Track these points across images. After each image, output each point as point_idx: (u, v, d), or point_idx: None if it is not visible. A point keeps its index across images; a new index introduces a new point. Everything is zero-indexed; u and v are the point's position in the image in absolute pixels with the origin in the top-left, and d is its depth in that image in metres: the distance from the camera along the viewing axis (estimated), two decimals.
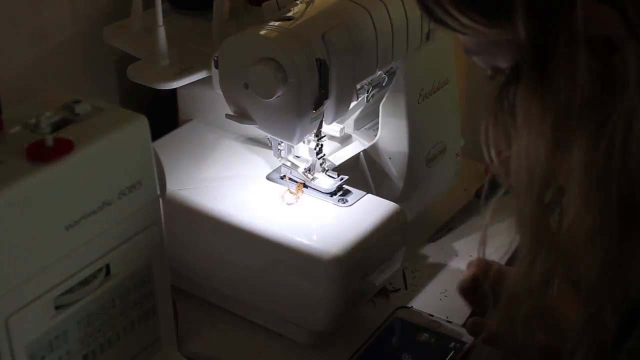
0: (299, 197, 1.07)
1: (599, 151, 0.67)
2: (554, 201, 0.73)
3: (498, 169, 0.75)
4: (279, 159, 1.09)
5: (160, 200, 0.81)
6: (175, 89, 1.15)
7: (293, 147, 1.08)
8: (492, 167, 0.75)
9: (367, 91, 1.09)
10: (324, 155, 1.08)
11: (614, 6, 0.64)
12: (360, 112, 1.15)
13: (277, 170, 1.10)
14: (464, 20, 0.69)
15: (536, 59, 0.67)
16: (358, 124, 1.16)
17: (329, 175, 1.08)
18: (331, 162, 1.10)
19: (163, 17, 1.08)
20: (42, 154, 0.69)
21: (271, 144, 1.08)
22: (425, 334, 1.01)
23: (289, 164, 1.08)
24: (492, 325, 0.92)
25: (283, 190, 1.07)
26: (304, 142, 1.06)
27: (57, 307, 0.73)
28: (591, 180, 0.68)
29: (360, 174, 1.19)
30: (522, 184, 0.72)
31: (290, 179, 1.08)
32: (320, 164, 1.08)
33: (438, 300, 1.10)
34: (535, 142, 0.69)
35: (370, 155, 1.19)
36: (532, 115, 0.68)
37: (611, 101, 0.66)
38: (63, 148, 0.70)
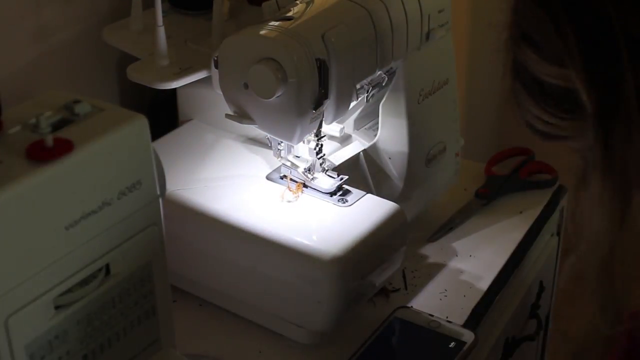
0: (298, 196, 1.07)
1: None
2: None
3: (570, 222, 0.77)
4: (279, 159, 1.09)
5: (160, 200, 0.81)
6: (175, 89, 1.15)
7: (293, 147, 1.08)
8: (569, 229, 0.77)
9: (367, 91, 1.09)
10: (324, 155, 1.08)
11: None
12: (360, 112, 1.15)
13: (277, 170, 1.10)
14: (547, 117, 0.74)
15: (606, 149, 0.69)
16: (358, 124, 1.16)
17: (328, 175, 1.08)
18: (331, 162, 1.10)
19: (163, 17, 1.08)
20: (42, 154, 0.69)
21: (271, 144, 1.08)
22: (425, 334, 1.01)
23: (289, 163, 1.08)
24: None
25: (283, 190, 1.07)
26: (304, 142, 1.06)
27: (57, 307, 0.73)
28: None
29: (360, 174, 1.19)
30: (586, 244, 0.74)
31: (290, 179, 1.08)
32: (320, 164, 1.08)
33: (438, 300, 1.10)
34: (601, 214, 0.71)
35: (370, 155, 1.19)
36: (603, 193, 0.70)
37: None
38: (63, 148, 0.70)
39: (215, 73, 1.04)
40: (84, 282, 0.75)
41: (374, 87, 1.09)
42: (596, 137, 0.69)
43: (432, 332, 1.01)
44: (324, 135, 1.07)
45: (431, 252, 1.20)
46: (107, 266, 0.77)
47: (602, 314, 0.75)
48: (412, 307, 1.07)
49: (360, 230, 1.01)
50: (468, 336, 1.00)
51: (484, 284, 1.13)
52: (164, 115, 1.24)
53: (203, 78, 1.09)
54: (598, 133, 0.69)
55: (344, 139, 1.15)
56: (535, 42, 0.71)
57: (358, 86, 1.05)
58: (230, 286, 1.06)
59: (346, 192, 1.07)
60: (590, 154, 0.71)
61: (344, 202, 1.06)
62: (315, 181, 1.07)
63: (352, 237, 1.00)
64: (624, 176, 0.69)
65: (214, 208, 1.04)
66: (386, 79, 1.10)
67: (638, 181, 0.70)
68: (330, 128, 1.11)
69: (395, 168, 1.17)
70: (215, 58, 1.03)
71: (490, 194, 1.29)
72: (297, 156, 1.09)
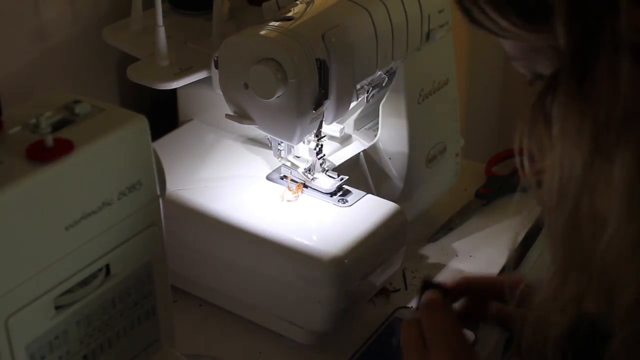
0: (298, 196, 1.07)
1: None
2: (588, 217, 0.69)
3: (530, 182, 0.72)
4: (279, 159, 1.09)
5: (160, 200, 0.81)
6: (175, 89, 1.15)
7: (293, 147, 1.08)
8: (523, 179, 0.72)
9: (367, 91, 1.09)
10: (324, 155, 1.08)
11: None
12: (360, 112, 1.15)
13: (277, 170, 1.10)
14: (503, 23, 0.67)
15: (576, 67, 0.64)
16: (358, 124, 1.16)
17: (328, 176, 1.08)
18: (331, 162, 1.10)
19: (163, 17, 1.08)
20: (42, 154, 0.69)
21: (271, 144, 1.08)
22: None
23: (289, 164, 1.08)
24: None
25: (283, 190, 1.07)
26: (304, 142, 1.06)
27: (57, 307, 0.73)
28: (634, 193, 0.65)
29: (360, 174, 1.19)
30: (555, 198, 0.68)
31: (291, 179, 1.08)
32: (320, 164, 1.08)
33: None
34: (571, 155, 0.66)
35: (370, 155, 1.19)
36: (569, 126, 0.66)
37: None
38: (63, 148, 0.70)
39: (215, 73, 1.04)
40: (84, 282, 0.75)
41: (374, 87, 1.09)
42: (570, 66, 0.64)
43: None
44: (324, 136, 1.07)
45: (431, 252, 1.20)
46: (107, 266, 0.77)
47: (565, 272, 0.71)
48: (412, 307, 1.07)
49: (360, 231, 1.01)
50: (468, 336, 1.00)
51: None
52: (164, 115, 1.24)
53: (203, 78, 1.09)
54: (571, 63, 0.64)
55: (344, 139, 1.15)
56: None
57: (358, 86, 1.05)
58: (230, 286, 1.06)
59: (346, 193, 1.07)
60: (555, 81, 0.66)
61: (344, 203, 1.06)
62: (316, 181, 1.07)
63: (352, 237, 1.00)
64: (595, 111, 0.64)
65: (214, 208, 1.04)
66: (386, 79, 1.10)
67: (612, 121, 0.65)
68: (330, 128, 1.11)
69: (395, 168, 1.17)
70: (215, 58, 1.03)
71: (490, 194, 1.29)
72: (297, 156, 1.09)
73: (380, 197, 1.08)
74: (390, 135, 1.15)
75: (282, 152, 1.08)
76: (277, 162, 1.10)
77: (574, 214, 0.68)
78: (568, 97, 0.66)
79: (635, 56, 0.62)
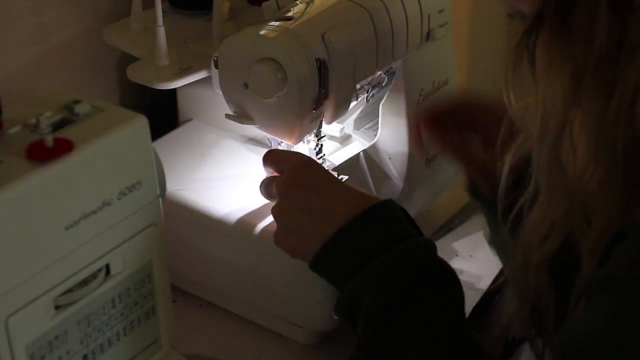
0: None
1: (609, 109, 0.68)
2: (568, 150, 0.73)
3: (515, 115, 0.76)
4: None
5: (160, 200, 0.81)
6: (175, 89, 1.15)
7: (293, 147, 1.08)
8: (510, 113, 0.76)
9: (367, 91, 1.09)
10: (324, 155, 1.08)
11: None
12: (360, 112, 1.15)
13: None
14: None
15: (559, 7, 0.68)
16: (358, 124, 1.16)
17: None
18: (331, 162, 1.10)
19: (163, 17, 1.08)
20: (42, 154, 0.69)
21: (271, 144, 1.08)
22: None
23: None
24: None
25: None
26: (303, 142, 1.06)
27: (57, 307, 0.73)
28: (600, 136, 0.69)
29: (360, 174, 1.19)
30: (539, 130, 0.72)
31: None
32: (320, 164, 1.08)
33: None
34: (553, 90, 0.70)
35: (370, 155, 1.19)
36: (552, 64, 0.69)
37: (625, 61, 0.67)
38: (63, 148, 0.70)
39: (215, 73, 1.04)
40: (84, 282, 0.75)
41: (374, 87, 1.09)
42: (554, 6, 0.68)
43: None
44: (324, 135, 1.07)
45: None
46: (107, 266, 0.77)
47: (549, 200, 0.75)
48: None
49: None
50: None
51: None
52: (164, 115, 1.24)
53: (203, 78, 1.09)
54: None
55: (344, 139, 1.15)
56: None
57: (358, 86, 1.05)
58: (230, 286, 1.06)
59: None
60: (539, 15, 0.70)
61: None
62: None
63: None
64: (575, 51, 0.68)
65: (214, 208, 1.04)
66: (386, 79, 1.10)
67: (588, 63, 0.68)
68: (330, 128, 1.10)
69: (395, 168, 1.17)
70: (215, 58, 1.03)
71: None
72: None
73: (380, 197, 1.07)
74: (390, 135, 1.15)
75: None
76: None
77: (555, 146, 0.72)
78: (551, 35, 0.69)
79: (611, 4, 0.66)
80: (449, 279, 0.86)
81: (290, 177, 0.93)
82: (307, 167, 0.94)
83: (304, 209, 0.90)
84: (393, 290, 0.82)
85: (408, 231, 0.87)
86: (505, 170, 0.82)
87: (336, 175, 1.08)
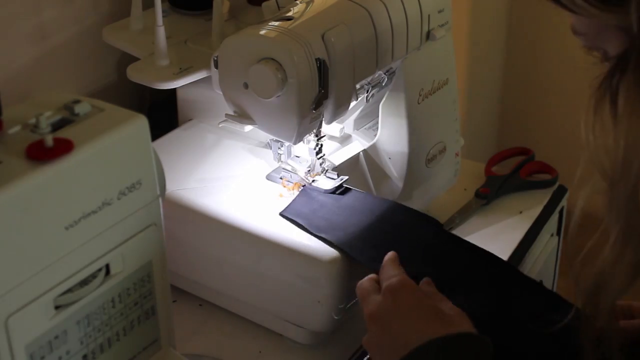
0: (294, 193, 1.07)
1: None
2: None
3: (595, 156, 0.75)
4: (279, 162, 1.09)
5: (160, 200, 0.81)
6: (175, 89, 1.15)
7: (293, 150, 1.08)
8: (587, 154, 0.75)
9: (367, 91, 1.09)
10: (324, 155, 1.08)
11: None
12: (360, 112, 1.15)
13: (277, 170, 1.10)
14: (581, 2, 0.70)
15: None
16: (358, 124, 1.16)
17: (328, 177, 1.08)
18: (331, 162, 1.10)
19: (163, 17, 1.08)
20: (42, 154, 0.69)
21: (271, 147, 1.08)
22: None
23: (289, 167, 1.08)
24: None
25: (280, 190, 1.08)
26: (303, 142, 1.06)
27: (57, 307, 0.73)
28: None
29: (360, 174, 1.19)
30: (619, 172, 0.72)
31: (286, 180, 1.08)
32: (320, 164, 1.08)
33: None
34: (636, 132, 0.69)
35: (370, 155, 1.19)
36: (635, 106, 0.69)
37: None
38: (63, 148, 0.70)
39: (215, 73, 1.04)
40: (84, 282, 0.75)
41: (374, 87, 1.09)
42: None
43: None
44: (324, 135, 1.07)
45: None
46: (107, 266, 0.77)
47: (624, 242, 0.74)
48: None
49: None
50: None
51: None
52: (164, 115, 1.24)
53: (203, 78, 1.09)
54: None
55: (344, 139, 1.15)
56: None
57: (358, 86, 1.05)
58: (230, 286, 1.06)
59: (346, 192, 1.07)
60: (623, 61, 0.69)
61: None
62: (315, 182, 1.07)
63: None
64: None
65: (214, 208, 1.04)
66: (386, 79, 1.10)
67: None
68: (330, 128, 1.11)
69: (395, 168, 1.17)
70: (215, 58, 1.03)
71: (490, 194, 1.29)
72: (296, 156, 1.09)
73: (380, 196, 1.08)
74: (390, 135, 1.15)
75: (283, 157, 1.08)
76: (277, 163, 1.10)
77: (636, 188, 0.71)
78: (636, 78, 0.69)
79: None
80: None
81: (375, 308, 0.89)
82: (394, 298, 0.88)
83: (379, 344, 0.87)
84: None
85: None
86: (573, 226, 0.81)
87: (336, 177, 1.08)
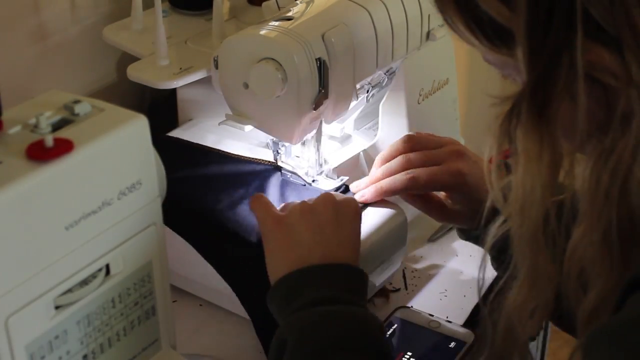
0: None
1: (600, 186, 0.68)
2: (550, 233, 0.73)
3: (497, 196, 0.75)
4: (279, 163, 1.09)
5: (160, 200, 0.81)
6: (175, 89, 1.15)
7: (293, 150, 1.08)
8: (491, 195, 0.75)
9: (367, 91, 1.09)
10: (324, 155, 1.08)
11: (613, 49, 0.64)
12: (360, 112, 1.15)
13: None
14: (473, 40, 0.71)
15: (537, 97, 0.67)
16: (358, 124, 1.16)
17: (328, 177, 1.08)
18: (331, 162, 1.10)
19: (163, 17, 1.08)
20: (42, 154, 0.69)
21: (272, 148, 1.08)
22: (425, 334, 1.01)
23: (289, 168, 1.08)
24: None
25: None
26: (303, 142, 1.06)
27: (57, 307, 0.73)
28: (594, 202, 0.69)
29: (360, 174, 1.19)
30: (518, 217, 0.72)
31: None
32: (320, 164, 1.08)
33: (438, 300, 1.10)
34: (532, 177, 0.70)
35: (370, 155, 1.19)
36: (530, 151, 0.69)
37: (617, 135, 0.66)
38: (63, 148, 0.70)
39: (215, 73, 1.04)
40: (84, 282, 0.75)
41: (374, 87, 1.09)
42: (530, 97, 0.68)
43: (432, 332, 1.01)
44: (324, 135, 1.07)
45: (431, 252, 1.20)
46: (107, 266, 0.77)
47: (530, 284, 0.74)
48: (412, 307, 1.07)
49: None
50: (468, 336, 1.00)
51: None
52: (164, 115, 1.24)
53: (203, 78, 1.09)
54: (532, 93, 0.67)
55: (344, 139, 1.15)
56: None
57: (358, 86, 1.05)
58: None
59: (346, 192, 1.07)
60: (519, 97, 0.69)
61: None
62: (315, 183, 1.07)
63: None
64: (554, 130, 0.68)
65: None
66: (386, 79, 1.10)
67: (568, 136, 0.69)
68: (330, 128, 1.10)
69: None
70: (215, 58, 1.03)
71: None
72: (297, 156, 1.09)
73: None
74: (390, 135, 1.15)
75: (282, 157, 1.08)
76: (277, 162, 1.10)
77: (536, 229, 0.71)
78: (529, 123, 0.69)
79: (590, 89, 0.65)
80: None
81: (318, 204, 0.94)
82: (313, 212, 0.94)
83: (315, 229, 0.91)
84: (314, 345, 0.82)
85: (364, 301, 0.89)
86: (487, 246, 0.81)
87: (336, 178, 1.08)
